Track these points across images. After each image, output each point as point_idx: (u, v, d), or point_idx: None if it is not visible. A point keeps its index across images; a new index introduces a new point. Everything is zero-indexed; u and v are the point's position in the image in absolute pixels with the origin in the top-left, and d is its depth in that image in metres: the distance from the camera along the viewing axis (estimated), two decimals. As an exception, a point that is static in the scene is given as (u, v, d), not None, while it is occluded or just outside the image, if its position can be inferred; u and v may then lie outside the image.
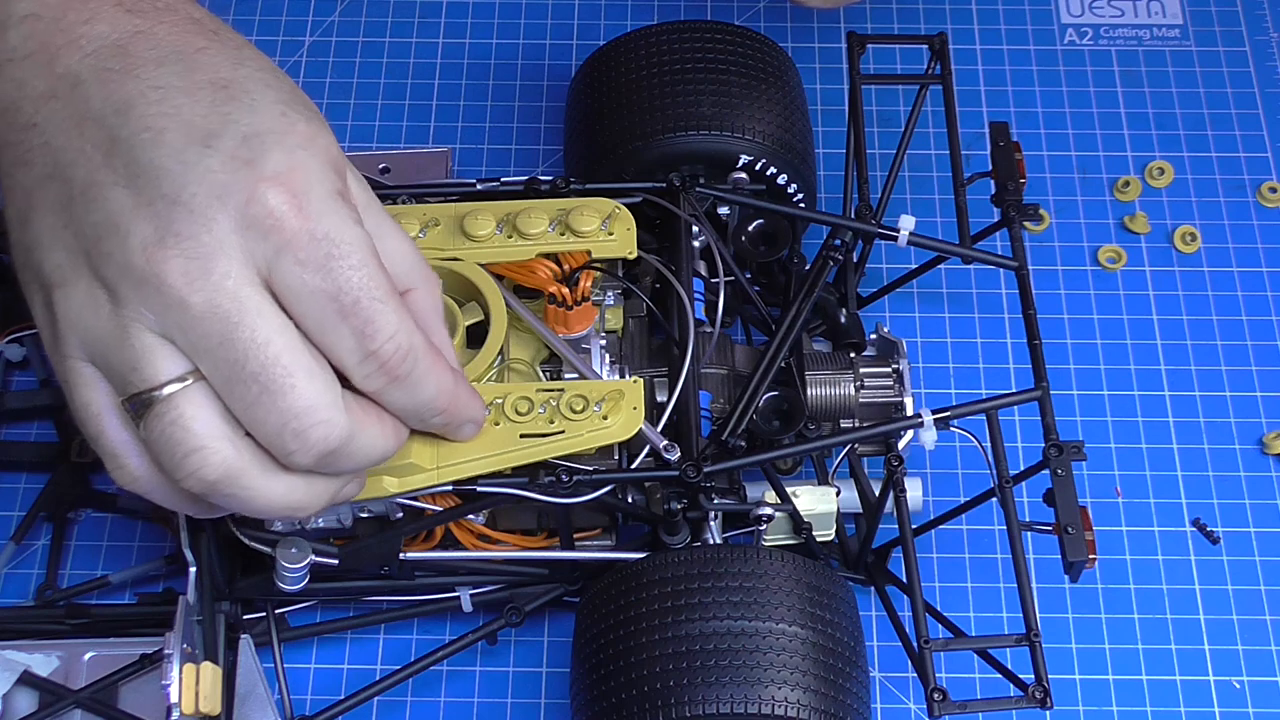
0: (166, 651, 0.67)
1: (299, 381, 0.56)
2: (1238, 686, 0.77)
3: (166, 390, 0.56)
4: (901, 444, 0.74)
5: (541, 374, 0.72)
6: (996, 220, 0.80)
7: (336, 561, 0.70)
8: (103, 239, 0.56)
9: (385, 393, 0.60)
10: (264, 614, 0.75)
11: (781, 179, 0.81)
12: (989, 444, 0.71)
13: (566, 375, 0.72)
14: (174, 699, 0.66)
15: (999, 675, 0.70)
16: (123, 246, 0.55)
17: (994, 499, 0.71)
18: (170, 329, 0.56)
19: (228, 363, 0.56)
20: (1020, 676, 0.68)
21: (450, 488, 0.69)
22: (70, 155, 0.57)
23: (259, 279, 0.56)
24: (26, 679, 0.72)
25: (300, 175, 0.57)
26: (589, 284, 0.72)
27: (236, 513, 0.64)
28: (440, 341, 0.63)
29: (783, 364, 0.75)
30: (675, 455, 0.70)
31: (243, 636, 0.73)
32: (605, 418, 0.69)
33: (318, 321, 0.57)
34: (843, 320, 0.80)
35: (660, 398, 0.73)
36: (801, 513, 0.73)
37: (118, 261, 0.55)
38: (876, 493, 0.74)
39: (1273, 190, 0.92)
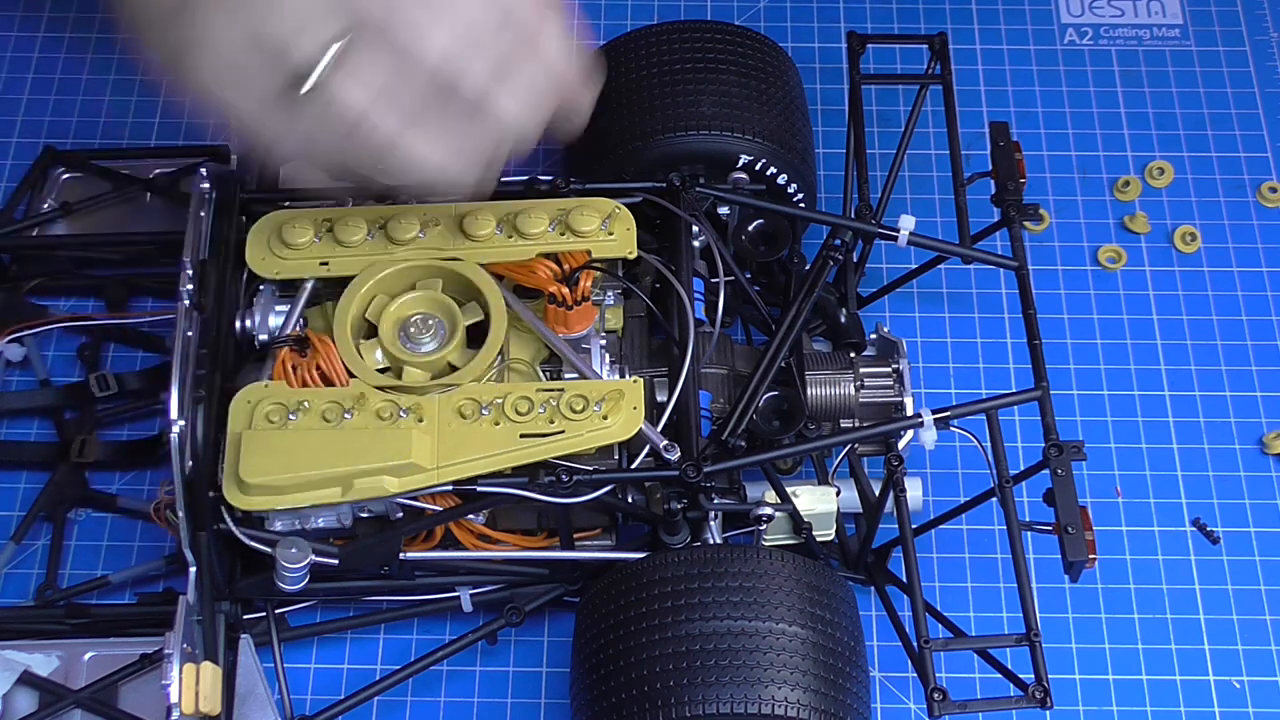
0: (166, 651, 0.67)
1: (440, 26, 0.59)
2: (1238, 686, 0.77)
3: (323, 59, 0.58)
4: (901, 444, 0.74)
5: (541, 374, 0.72)
6: (996, 220, 0.80)
7: (336, 561, 0.70)
8: None
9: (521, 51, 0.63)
10: (264, 614, 0.75)
11: (781, 179, 0.81)
12: (989, 444, 0.71)
13: (566, 375, 0.72)
14: (174, 699, 0.66)
15: (999, 675, 0.70)
16: None
17: (994, 499, 0.71)
18: None
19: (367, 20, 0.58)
20: (1020, 676, 0.68)
21: (450, 488, 0.69)
22: None
23: None
24: (26, 679, 0.72)
25: None
26: (589, 284, 0.72)
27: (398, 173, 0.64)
28: None
29: (783, 364, 0.75)
30: (675, 455, 0.70)
31: (243, 636, 0.73)
32: (605, 418, 0.69)
33: None
34: (843, 320, 0.80)
35: (660, 398, 0.73)
36: (801, 513, 0.73)
37: None
38: (876, 493, 0.74)
39: (1273, 190, 0.92)
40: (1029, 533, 0.71)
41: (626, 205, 0.75)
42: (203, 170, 0.75)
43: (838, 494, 0.74)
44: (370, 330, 0.73)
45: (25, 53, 0.97)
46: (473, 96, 0.61)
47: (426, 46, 0.59)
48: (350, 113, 0.59)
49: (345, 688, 0.76)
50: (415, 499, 0.69)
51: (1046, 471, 0.70)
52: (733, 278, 0.78)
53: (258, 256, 0.73)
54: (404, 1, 0.59)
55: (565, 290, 0.72)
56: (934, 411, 0.72)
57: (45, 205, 0.87)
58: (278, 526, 0.70)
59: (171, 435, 0.67)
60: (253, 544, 0.69)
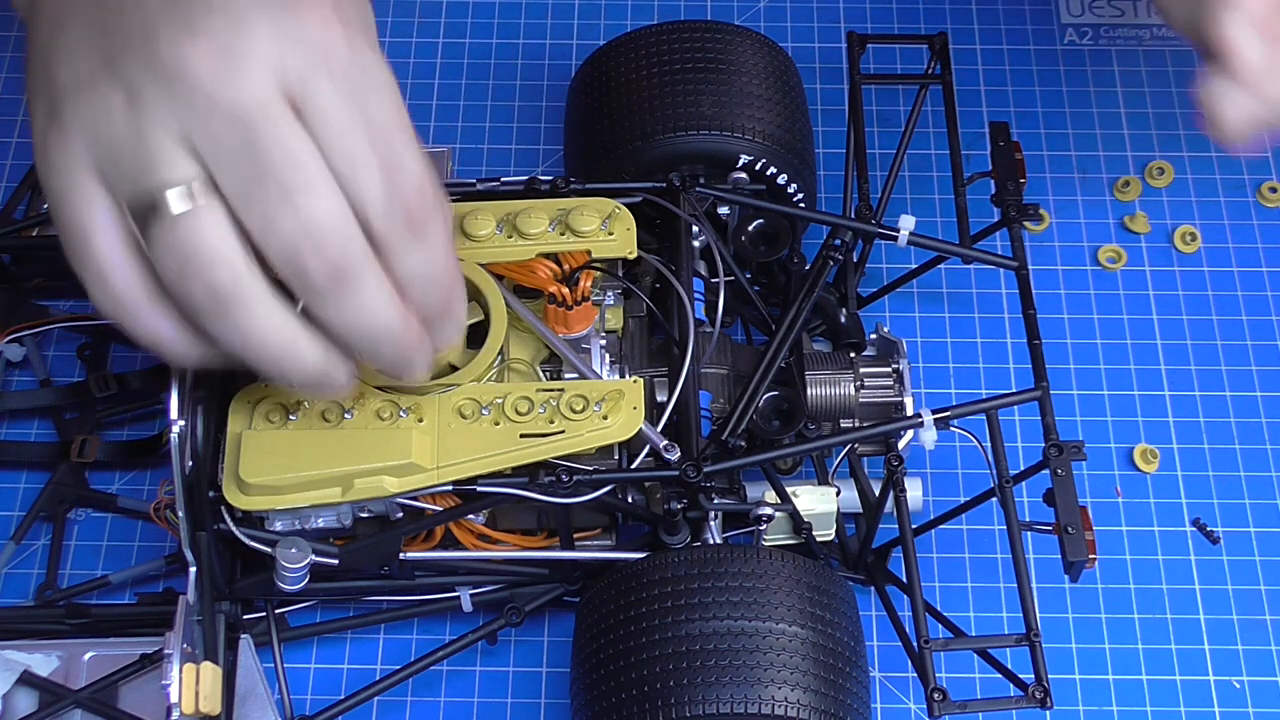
0: (166, 651, 0.67)
1: (322, 189, 0.55)
2: (1238, 686, 0.77)
3: (180, 200, 0.55)
4: (901, 444, 0.74)
5: (541, 374, 0.72)
6: (996, 220, 0.81)
7: (336, 561, 0.70)
8: (131, 40, 0.55)
9: (399, 246, 0.57)
10: (264, 614, 0.75)
11: (781, 179, 0.81)
12: (989, 444, 0.71)
13: (566, 375, 0.72)
14: (174, 699, 0.66)
15: (999, 675, 0.70)
16: (150, 42, 0.54)
17: (994, 499, 0.71)
18: (191, 129, 0.54)
19: (249, 165, 0.54)
20: (1020, 676, 0.68)
21: (450, 488, 0.69)
22: None
23: (287, 95, 0.55)
24: (26, 679, 0.72)
25: (347, 7, 0.56)
26: (589, 284, 0.72)
27: (222, 347, 0.59)
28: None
29: (783, 364, 0.75)
30: (675, 455, 0.70)
31: (243, 636, 0.73)
32: (605, 418, 0.69)
33: (346, 151, 0.55)
34: (843, 320, 0.80)
35: (660, 398, 0.73)
36: (801, 513, 0.73)
37: (143, 57, 0.54)
38: (876, 493, 0.74)
39: (1273, 190, 0.92)
40: (1029, 533, 0.71)
41: (626, 205, 0.75)
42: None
43: (838, 494, 0.74)
44: (370, 330, 0.72)
45: (25, 53, 0.97)
46: (330, 269, 0.56)
47: (304, 200, 0.55)
48: (183, 250, 0.55)
49: (345, 688, 0.76)
50: (415, 499, 0.69)
51: (1046, 471, 0.70)
52: (733, 278, 0.78)
53: (258, 256, 0.73)
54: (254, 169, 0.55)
55: (565, 290, 0.72)
56: (934, 411, 0.72)
57: (45, 205, 0.87)
58: (278, 526, 0.70)
59: (171, 435, 0.67)
60: (253, 544, 0.69)
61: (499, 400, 0.69)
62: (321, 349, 0.59)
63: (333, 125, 0.55)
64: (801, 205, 0.82)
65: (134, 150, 0.55)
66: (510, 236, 0.74)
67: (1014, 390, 0.74)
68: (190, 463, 0.69)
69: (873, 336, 0.79)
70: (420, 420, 0.69)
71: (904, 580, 0.71)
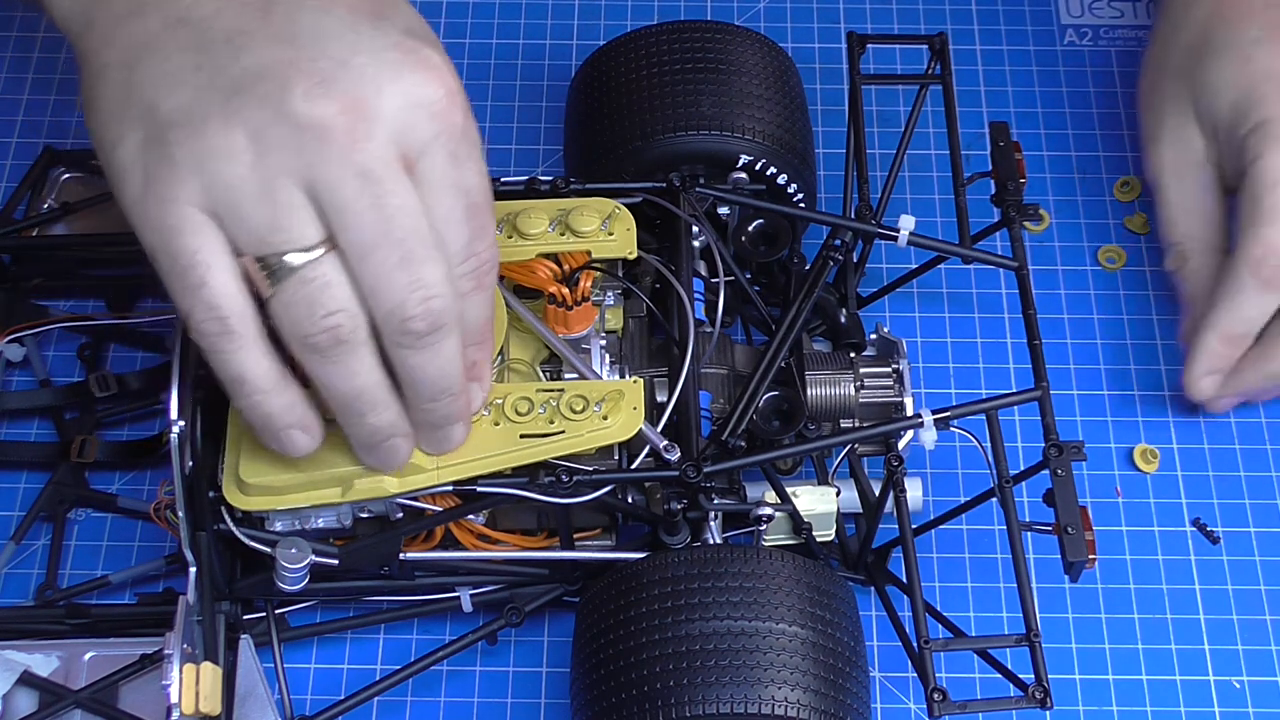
0: (166, 651, 0.67)
1: (434, 254, 0.58)
2: (1238, 686, 0.77)
3: (309, 254, 0.57)
4: (901, 444, 0.74)
5: (541, 374, 0.72)
6: (996, 220, 0.81)
7: (336, 561, 0.70)
8: (255, 85, 0.56)
9: (468, 298, 0.61)
10: (264, 614, 0.75)
11: (781, 179, 0.81)
12: (989, 444, 0.71)
13: (566, 375, 0.72)
14: (174, 699, 0.66)
15: (999, 675, 0.70)
16: (283, 92, 0.55)
17: (994, 499, 0.71)
18: (321, 184, 0.56)
19: (374, 225, 0.57)
20: (1020, 676, 0.68)
21: (450, 488, 0.69)
22: (210, 6, 0.57)
23: (404, 155, 0.57)
24: (26, 679, 0.72)
25: (453, 77, 0.59)
26: (589, 284, 0.72)
27: (303, 407, 0.63)
28: None
29: (783, 364, 0.75)
30: (675, 455, 0.70)
31: (243, 636, 0.73)
32: (605, 418, 0.69)
33: (448, 213, 0.59)
34: (843, 320, 0.80)
35: (660, 398, 0.73)
36: (801, 513, 0.73)
37: (274, 106, 0.55)
38: (876, 493, 0.74)
39: (1273, 190, 0.92)
40: (1029, 533, 0.71)
41: (626, 205, 0.75)
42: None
43: (838, 494, 0.74)
44: (370, 330, 0.72)
45: (25, 53, 0.97)
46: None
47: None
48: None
49: (345, 688, 0.76)
50: (415, 499, 0.69)
51: (1046, 471, 0.70)
52: (733, 278, 0.78)
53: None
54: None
55: (565, 290, 0.72)
56: (934, 411, 0.72)
57: (45, 205, 0.87)
58: (278, 527, 0.70)
59: (171, 435, 0.67)
60: (253, 544, 0.69)
61: (499, 400, 0.69)
62: (397, 407, 0.63)
63: (438, 191, 0.59)
64: (801, 205, 0.82)
65: (260, 200, 0.56)
66: (510, 236, 0.74)
67: (1014, 390, 0.74)
68: (190, 463, 0.69)
69: (873, 336, 0.79)
70: (420, 420, 0.69)
71: (904, 580, 0.71)
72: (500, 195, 0.77)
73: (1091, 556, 0.68)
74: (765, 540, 0.73)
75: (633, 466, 0.71)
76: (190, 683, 0.66)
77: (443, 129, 0.58)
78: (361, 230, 0.57)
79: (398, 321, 0.59)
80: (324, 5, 0.58)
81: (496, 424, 0.69)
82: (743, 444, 0.72)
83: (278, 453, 0.65)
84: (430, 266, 0.58)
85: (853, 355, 0.77)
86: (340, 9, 0.58)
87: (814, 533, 0.74)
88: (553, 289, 0.72)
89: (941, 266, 0.86)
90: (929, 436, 0.72)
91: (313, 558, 0.69)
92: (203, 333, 0.59)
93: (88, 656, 0.73)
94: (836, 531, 0.75)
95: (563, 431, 0.69)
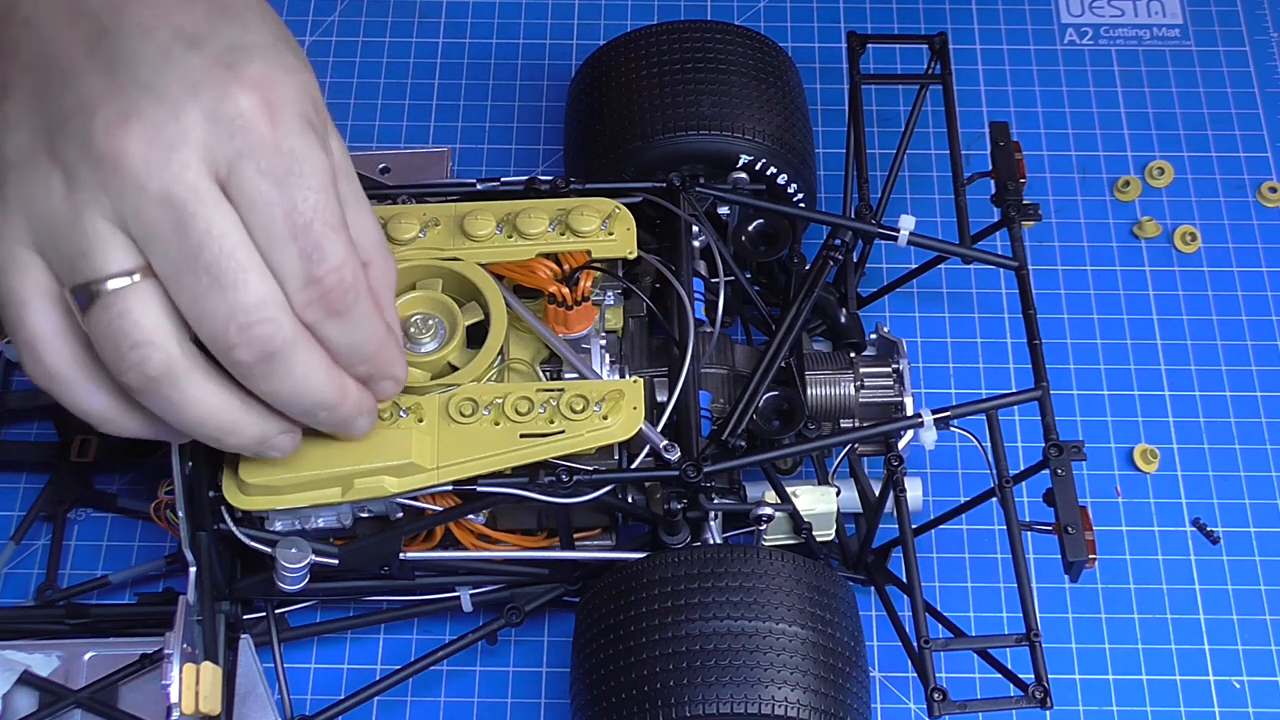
0: (166, 651, 0.67)
1: (251, 277, 0.57)
2: (1238, 686, 0.77)
3: (116, 281, 0.56)
4: (901, 444, 0.74)
5: (541, 374, 0.72)
6: (996, 220, 0.80)
7: (336, 561, 0.70)
8: (69, 119, 0.56)
9: (321, 325, 0.59)
10: (264, 614, 0.75)
11: (781, 179, 0.81)
12: (989, 444, 0.71)
13: (566, 375, 0.72)
14: (174, 699, 0.66)
15: (999, 675, 0.70)
16: (87, 125, 0.55)
17: (994, 499, 0.71)
18: (125, 214, 0.55)
19: (181, 251, 0.56)
20: (1020, 676, 0.68)
21: (450, 488, 0.69)
22: (57, 45, 0.57)
23: (216, 177, 0.56)
24: (26, 679, 0.72)
25: (278, 89, 0.57)
26: (589, 284, 0.72)
27: (160, 424, 0.61)
28: (389, 316, 0.64)
29: (783, 364, 0.75)
30: (675, 455, 0.70)
31: (243, 636, 0.73)
32: (605, 418, 0.69)
33: (267, 234, 0.57)
34: (843, 320, 0.80)
35: (660, 398, 0.73)
36: (801, 513, 0.73)
37: (80, 141, 0.55)
38: (876, 493, 0.74)
39: (1273, 190, 0.92)
40: (1029, 533, 0.71)
41: (626, 205, 0.75)
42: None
43: (838, 494, 0.74)
44: (370, 330, 0.72)
45: None
46: (262, 350, 0.58)
47: (237, 285, 0.57)
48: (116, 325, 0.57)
49: (345, 688, 0.76)
50: (415, 499, 0.69)
51: (1046, 471, 0.70)
52: (733, 278, 0.78)
53: (258, 256, 0.73)
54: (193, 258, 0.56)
55: (565, 290, 0.72)
56: (934, 411, 0.72)
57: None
58: (278, 526, 0.70)
59: (171, 435, 0.67)
60: (253, 544, 0.69)
61: (499, 400, 0.69)
62: (260, 420, 0.61)
63: (256, 210, 0.57)
64: (801, 205, 0.82)
65: (70, 233, 0.56)
66: (510, 236, 0.74)
67: (1014, 390, 0.74)
68: (190, 463, 0.69)
69: (873, 336, 0.79)
70: (420, 420, 0.69)
71: (904, 580, 0.71)
72: (500, 195, 0.77)
73: (1091, 556, 0.68)
74: (765, 540, 0.73)
75: (633, 466, 0.71)
76: (190, 683, 0.66)
77: (249, 143, 0.56)
78: (169, 256, 0.56)
79: (223, 350, 0.58)
80: (146, 30, 0.57)
81: (496, 424, 0.69)
82: (743, 444, 0.72)
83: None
84: (245, 291, 0.56)
85: (853, 355, 0.77)
86: (163, 31, 0.57)
87: (814, 533, 0.74)
88: (553, 289, 0.72)
89: (941, 266, 0.86)
90: (929, 436, 0.72)
91: (313, 558, 0.69)
92: (28, 373, 0.59)
93: (88, 656, 0.73)
94: (836, 531, 0.75)
95: (563, 431, 0.69)
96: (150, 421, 0.61)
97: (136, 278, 0.56)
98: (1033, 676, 0.67)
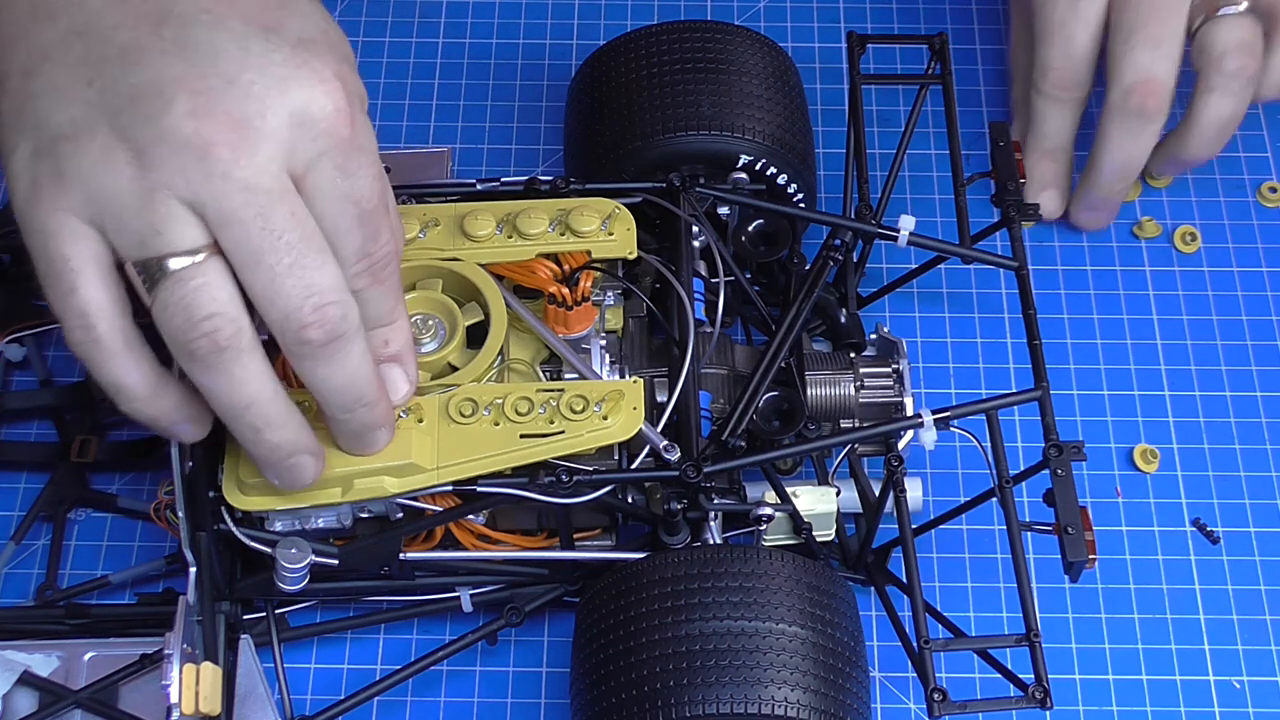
0: (166, 651, 0.67)
1: (327, 260, 0.59)
2: (1238, 686, 0.77)
3: (185, 258, 0.57)
4: (901, 444, 0.74)
5: (541, 374, 0.72)
6: (996, 220, 0.81)
7: (336, 561, 0.70)
8: (142, 101, 0.57)
9: (365, 293, 0.62)
10: (264, 614, 0.75)
11: (781, 179, 0.81)
12: (989, 444, 0.71)
13: (566, 375, 0.72)
14: (174, 699, 0.66)
15: (999, 675, 0.70)
16: (166, 110, 0.56)
17: (994, 499, 0.71)
18: (204, 199, 0.57)
19: (264, 234, 0.57)
20: (1020, 676, 0.68)
21: (450, 488, 0.69)
22: (111, 18, 0.58)
23: (292, 169, 0.58)
24: (26, 679, 0.72)
25: (349, 86, 0.59)
26: (589, 284, 0.72)
27: (188, 410, 0.63)
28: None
29: (783, 364, 0.75)
30: (675, 455, 0.70)
31: (243, 636, 0.73)
32: (605, 418, 0.69)
33: (335, 221, 0.60)
34: (843, 320, 0.80)
35: (660, 398, 0.73)
36: (801, 513, 0.73)
37: (158, 125, 0.56)
38: (876, 493, 0.74)
39: (1273, 190, 0.92)
40: (1029, 533, 0.71)
41: (626, 205, 0.75)
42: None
43: (838, 494, 0.74)
44: (370, 330, 0.73)
45: None
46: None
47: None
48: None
49: (345, 688, 0.76)
50: (415, 499, 0.69)
51: (1046, 471, 0.70)
52: (733, 278, 0.78)
53: (258, 256, 0.73)
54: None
55: (565, 290, 0.72)
56: (934, 411, 0.72)
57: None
58: (278, 527, 0.70)
59: (171, 435, 0.67)
60: (253, 544, 0.69)
61: (499, 400, 0.69)
62: (299, 427, 0.63)
63: (328, 201, 0.59)
64: (801, 205, 0.82)
65: (140, 211, 0.57)
66: (510, 236, 0.74)
67: (1014, 390, 0.74)
68: (190, 463, 0.69)
69: (873, 336, 0.79)
70: (420, 420, 0.69)
71: (904, 580, 0.71)
72: (500, 195, 0.77)
73: (1091, 556, 0.68)
74: (765, 540, 0.73)
75: (633, 466, 0.71)
76: (190, 683, 0.66)
77: (330, 144, 0.58)
78: (248, 240, 0.57)
79: (294, 331, 0.59)
80: (218, 19, 0.58)
81: (496, 424, 0.69)
82: (743, 444, 0.72)
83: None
84: (321, 273, 0.59)
85: (853, 355, 0.77)
86: (234, 21, 0.58)
87: (814, 533, 0.74)
88: (553, 289, 0.72)
89: (941, 266, 0.86)
90: (929, 436, 0.72)
91: (313, 558, 0.69)
92: (72, 340, 0.60)
93: (88, 656, 0.73)
94: (836, 531, 0.75)
95: (563, 431, 0.69)
96: (180, 406, 0.63)
97: (202, 255, 0.58)
98: (1033, 676, 0.67)
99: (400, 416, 0.68)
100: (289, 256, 0.58)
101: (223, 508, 0.69)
